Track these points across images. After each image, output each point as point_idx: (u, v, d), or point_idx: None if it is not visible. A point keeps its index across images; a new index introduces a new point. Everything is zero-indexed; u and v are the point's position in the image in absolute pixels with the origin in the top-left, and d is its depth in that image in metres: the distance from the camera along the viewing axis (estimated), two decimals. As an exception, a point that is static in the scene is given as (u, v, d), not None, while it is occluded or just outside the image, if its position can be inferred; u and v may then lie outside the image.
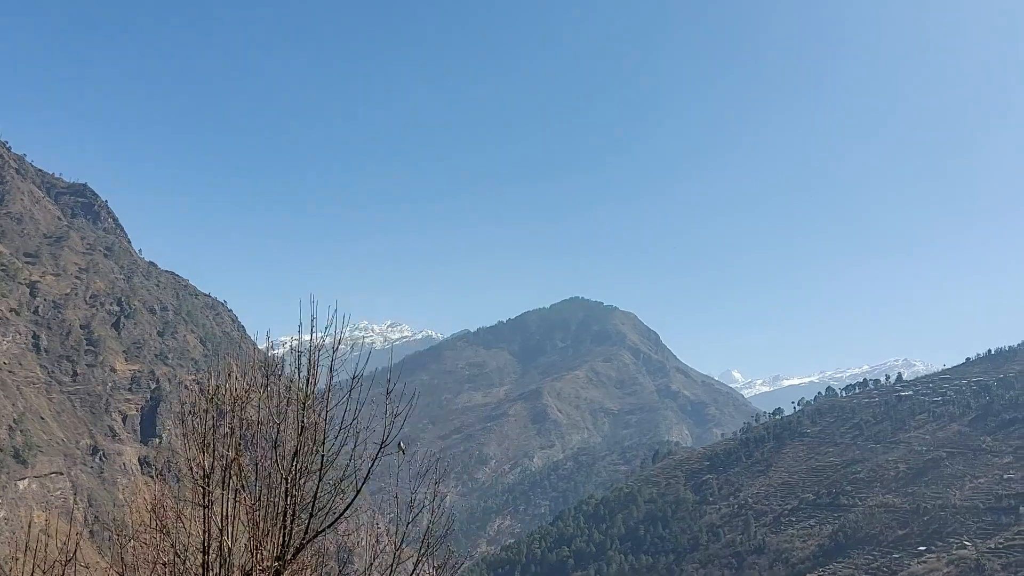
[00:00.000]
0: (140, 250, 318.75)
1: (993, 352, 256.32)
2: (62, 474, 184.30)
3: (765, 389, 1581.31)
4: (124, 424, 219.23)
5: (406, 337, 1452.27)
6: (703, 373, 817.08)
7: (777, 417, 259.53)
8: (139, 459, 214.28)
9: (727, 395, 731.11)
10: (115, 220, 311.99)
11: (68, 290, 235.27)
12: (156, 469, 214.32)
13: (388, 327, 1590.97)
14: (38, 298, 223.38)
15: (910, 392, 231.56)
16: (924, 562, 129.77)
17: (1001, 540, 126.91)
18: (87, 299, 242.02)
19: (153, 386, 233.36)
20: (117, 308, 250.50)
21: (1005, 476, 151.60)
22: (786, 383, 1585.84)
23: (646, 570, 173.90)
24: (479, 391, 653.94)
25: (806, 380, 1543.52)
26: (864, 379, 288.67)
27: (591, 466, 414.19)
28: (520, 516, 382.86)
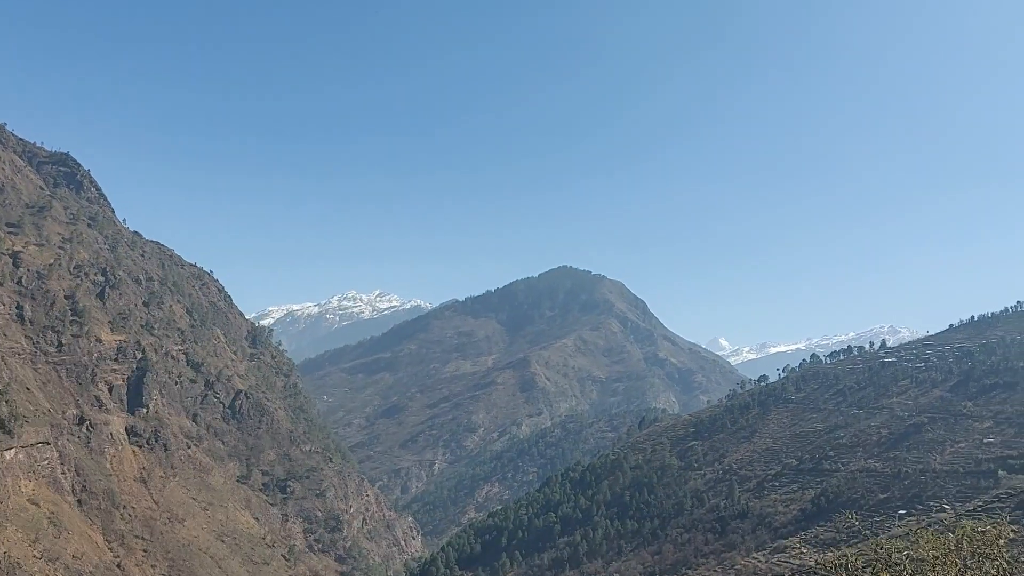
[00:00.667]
0: (124, 220, 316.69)
1: (976, 319, 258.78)
2: (49, 444, 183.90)
3: (752, 356, 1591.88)
4: (110, 394, 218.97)
5: (394, 307, 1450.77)
6: (690, 341, 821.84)
7: (762, 384, 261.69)
8: (126, 428, 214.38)
9: (714, 362, 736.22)
10: (98, 190, 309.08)
11: (52, 260, 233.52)
12: (143, 438, 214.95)
13: (376, 297, 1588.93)
14: (21, 268, 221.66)
15: (893, 359, 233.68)
16: (903, 525, 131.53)
17: (979, 503, 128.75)
18: (71, 269, 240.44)
19: (139, 356, 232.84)
20: (102, 278, 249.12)
21: (985, 440, 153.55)
22: (773, 350, 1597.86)
23: (631, 535, 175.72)
24: (467, 360, 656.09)
25: (793, 347, 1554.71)
26: (848, 346, 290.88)
27: (579, 433, 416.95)
28: (508, 483, 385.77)
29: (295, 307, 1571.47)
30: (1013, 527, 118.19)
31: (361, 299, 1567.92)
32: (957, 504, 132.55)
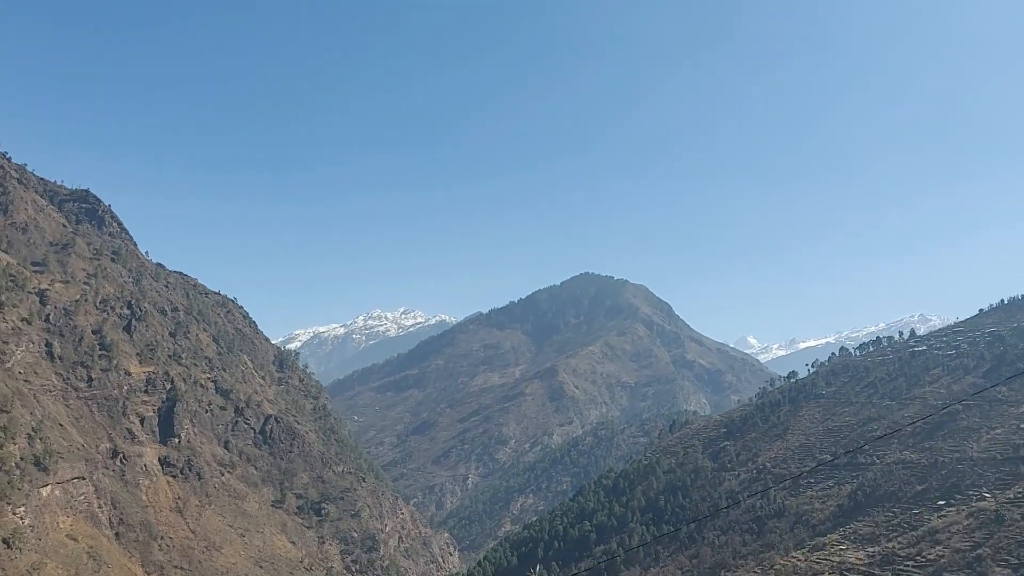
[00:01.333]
0: (147, 252, 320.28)
1: (1006, 302, 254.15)
2: (84, 479, 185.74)
3: (781, 353, 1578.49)
4: (142, 425, 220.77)
5: (419, 323, 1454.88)
6: (718, 341, 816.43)
7: (792, 380, 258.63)
8: (159, 459, 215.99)
9: (743, 361, 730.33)
10: (120, 224, 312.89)
11: (78, 296, 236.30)
12: (177, 468, 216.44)
13: (401, 314, 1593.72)
14: (48, 306, 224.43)
15: (923, 347, 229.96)
16: (944, 516, 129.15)
17: (1020, 489, 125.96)
18: (97, 304, 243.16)
19: (168, 386, 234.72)
20: (128, 311, 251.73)
21: (1021, 425, 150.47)
22: (802, 346, 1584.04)
23: (668, 540, 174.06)
24: (495, 372, 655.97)
25: (822, 341, 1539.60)
26: (877, 337, 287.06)
27: (610, 440, 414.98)
28: (543, 494, 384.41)
29: (321, 329, 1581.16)
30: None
31: (386, 317, 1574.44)
32: (997, 492, 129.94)
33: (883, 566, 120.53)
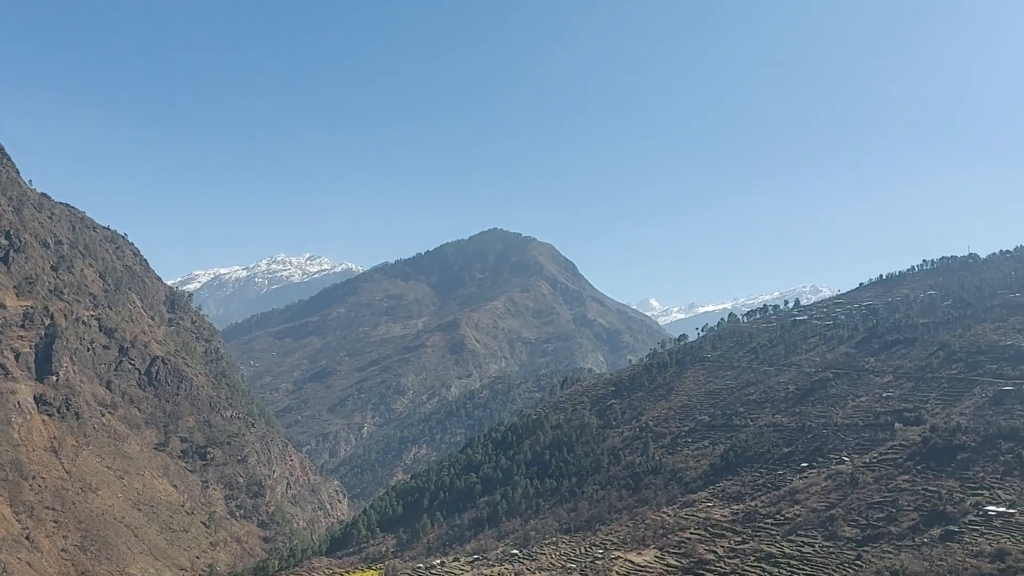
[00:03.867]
0: (30, 181, 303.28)
1: (884, 277, 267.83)
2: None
3: (681, 316, 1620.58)
4: (17, 361, 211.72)
5: (325, 270, 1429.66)
6: (620, 302, 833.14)
7: (680, 343, 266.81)
8: (34, 397, 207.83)
9: (641, 322, 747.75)
10: (1, 150, 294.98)
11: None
12: (53, 406, 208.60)
13: (307, 260, 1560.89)
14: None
15: (805, 317, 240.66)
16: (805, 477, 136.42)
17: (875, 455, 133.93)
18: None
19: (47, 322, 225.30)
20: (5, 241, 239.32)
21: (884, 395, 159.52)
22: (701, 310, 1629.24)
23: (550, 493, 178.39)
24: (397, 323, 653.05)
25: (720, 307, 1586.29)
26: (764, 305, 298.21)
27: (507, 394, 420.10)
28: (436, 445, 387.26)
29: (223, 271, 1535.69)
30: (905, 476, 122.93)
31: (291, 262, 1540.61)
32: (856, 456, 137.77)
33: (744, 523, 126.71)
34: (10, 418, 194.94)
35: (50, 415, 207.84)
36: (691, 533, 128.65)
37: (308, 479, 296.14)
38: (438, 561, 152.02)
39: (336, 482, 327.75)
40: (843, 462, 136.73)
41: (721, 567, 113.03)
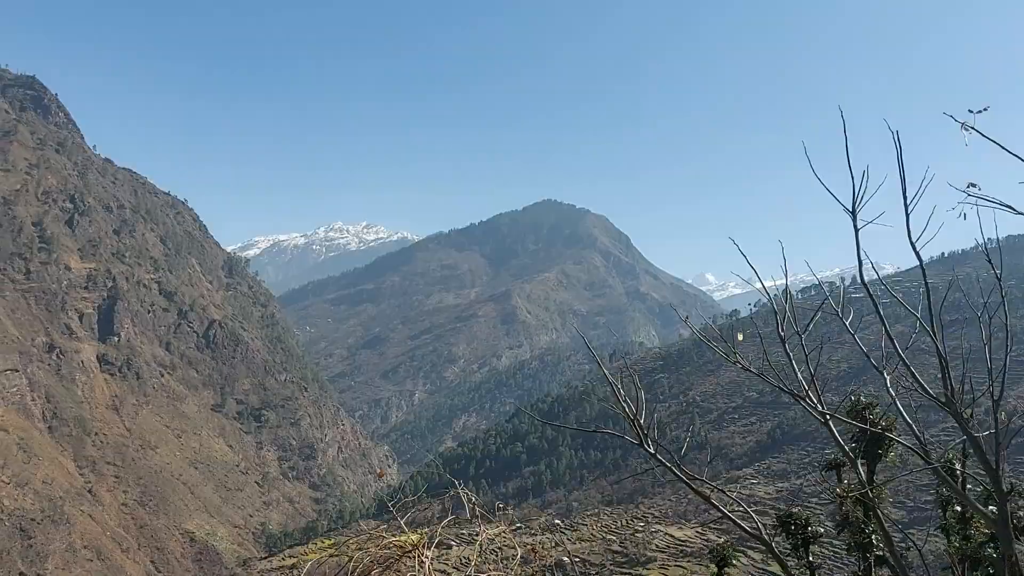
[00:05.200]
0: (95, 146, 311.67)
1: (946, 255, 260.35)
2: (18, 371, 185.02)
3: (738, 292, 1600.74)
4: (81, 322, 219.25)
5: (381, 238, 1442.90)
6: (674, 276, 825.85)
7: (732, 318, 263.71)
8: (97, 356, 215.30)
9: (695, 297, 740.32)
10: (67, 115, 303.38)
11: (18, 186, 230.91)
12: (115, 366, 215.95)
13: (364, 228, 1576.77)
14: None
15: (861, 294, 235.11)
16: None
17: (927, 437, 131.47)
18: (39, 195, 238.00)
19: (110, 284, 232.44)
20: (71, 205, 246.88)
21: (938, 376, 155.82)
22: (758, 286, 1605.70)
23: (594, 464, 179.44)
24: (450, 292, 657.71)
25: (780, 282, 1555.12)
26: (819, 282, 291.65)
27: (556, 365, 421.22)
28: (485, 414, 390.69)
29: (282, 237, 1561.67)
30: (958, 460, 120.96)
31: (348, 230, 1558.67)
32: (906, 438, 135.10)
33: (789, 502, 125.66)
34: (74, 376, 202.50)
35: (112, 375, 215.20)
36: (733, 510, 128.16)
37: (359, 444, 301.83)
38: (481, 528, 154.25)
39: (386, 447, 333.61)
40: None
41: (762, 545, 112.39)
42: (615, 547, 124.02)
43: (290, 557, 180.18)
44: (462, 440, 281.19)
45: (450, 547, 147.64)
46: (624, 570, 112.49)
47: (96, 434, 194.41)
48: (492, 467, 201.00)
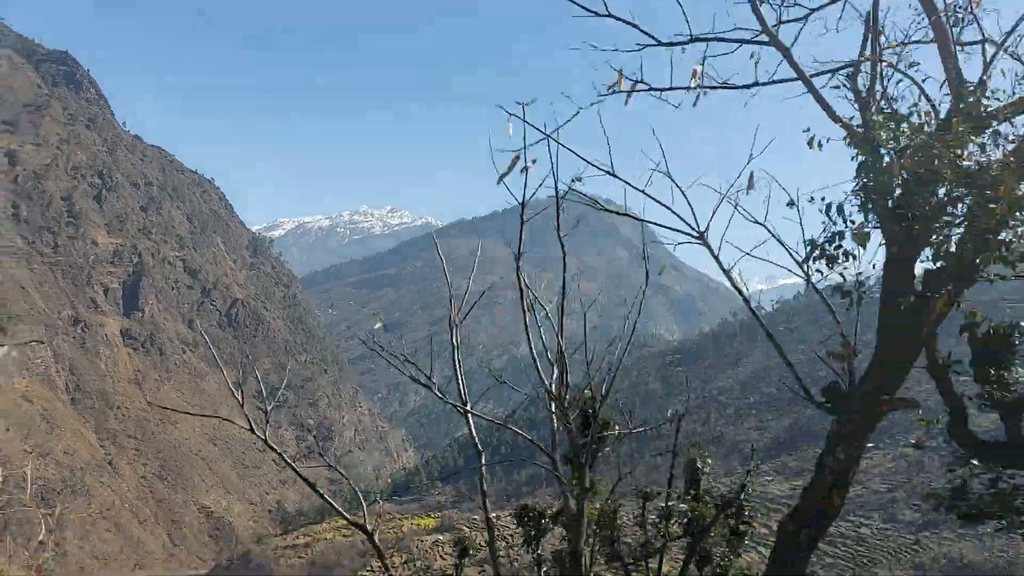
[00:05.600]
0: (124, 123, 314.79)
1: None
2: (43, 343, 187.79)
3: (762, 287, 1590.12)
4: (106, 296, 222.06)
5: (405, 223, 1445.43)
6: (698, 270, 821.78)
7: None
8: (121, 331, 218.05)
9: (718, 292, 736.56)
10: (98, 91, 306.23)
11: (48, 160, 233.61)
12: (139, 341, 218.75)
13: (388, 212, 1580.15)
14: (17, 167, 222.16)
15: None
16: (869, 457, 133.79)
17: (945, 439, 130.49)
18: (68, 170, 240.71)
19: (136, 260, 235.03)
20: (99, 181, 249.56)
21: (962, 377, 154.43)
22: (782, 282, 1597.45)
23: (608, 455, 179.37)
24: (473, 279, 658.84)
25: (803, 280, 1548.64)
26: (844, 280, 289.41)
27: (572, 355, 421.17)
28: (503, 401, 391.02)
29: (307, 219, 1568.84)
30: (976, 461, 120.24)
31: (372, 214, 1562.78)
32: (925, 439, 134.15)
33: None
34: (99, 350, 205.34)
35: (135, 349, 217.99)
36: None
37: (377, 426, 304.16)
38: (494, 515, 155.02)
39: (404, 431, 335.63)
40: (911, 444, 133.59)
41: (772, 542, 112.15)
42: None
43: (304, 536, 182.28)
44: (478, 426, 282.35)
45: (462, 531, 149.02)
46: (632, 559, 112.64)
47: (118, 407, 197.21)
48: (505, 454, 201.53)
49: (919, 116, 8.95)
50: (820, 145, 9.29)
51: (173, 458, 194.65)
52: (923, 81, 9.24)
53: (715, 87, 9.58)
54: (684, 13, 9.15)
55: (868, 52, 9.39)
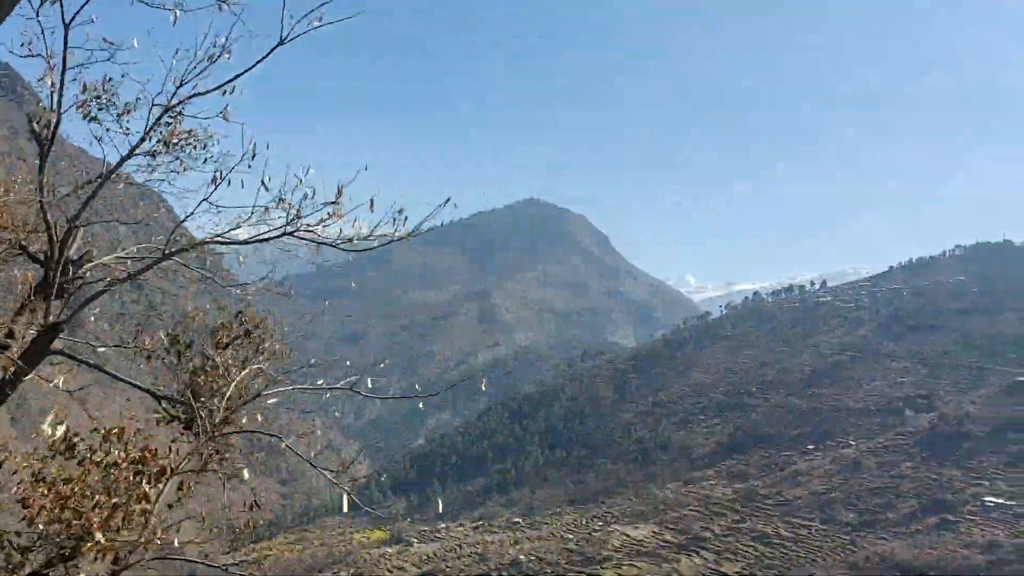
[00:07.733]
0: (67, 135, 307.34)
1: (914, 261, 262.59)
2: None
3: (717, 294, 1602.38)
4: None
5: (362, 234, 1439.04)
6: (655, 277, 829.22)
7: (703, 320, 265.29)
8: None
9: (674, 298, 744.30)
10: (39, 102, 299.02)
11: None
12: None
13: (343, 222, 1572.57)
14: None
15: (828, 298, 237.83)
16: (810, 459, 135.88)
17: (882, 440, 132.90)
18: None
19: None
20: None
21: (898, 380, 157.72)
22: (736, 288, 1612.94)
23: (559, 463, 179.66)
24: (430, 289, 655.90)
25: (757, 286, 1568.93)
26: (790, 285, 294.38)
27: (532, 364, 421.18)
28: (460, 411, 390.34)
29: (262, 229, 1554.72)
30: (909, 463, 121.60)
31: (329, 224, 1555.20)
32: (862, 440, 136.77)
33: (744, 503, 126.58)
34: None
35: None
36: (690, 510, 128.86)
37: (331, 439, 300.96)
38: (443, 525, 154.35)
39: (358, 444, 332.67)
40: (849, 445, 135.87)
41: (716, 545, 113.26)
42: (571, 546, 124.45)
43: (254, 551, 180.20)
44: (432, 437, 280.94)
45: (411, 544, 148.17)
46: (578, 569, 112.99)
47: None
48: (458, 464, 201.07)
49: None
50: None
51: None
52: None
53: None
54: None
55: None
